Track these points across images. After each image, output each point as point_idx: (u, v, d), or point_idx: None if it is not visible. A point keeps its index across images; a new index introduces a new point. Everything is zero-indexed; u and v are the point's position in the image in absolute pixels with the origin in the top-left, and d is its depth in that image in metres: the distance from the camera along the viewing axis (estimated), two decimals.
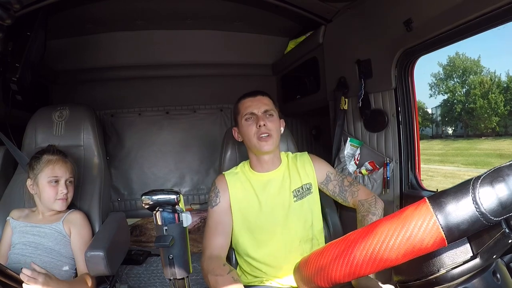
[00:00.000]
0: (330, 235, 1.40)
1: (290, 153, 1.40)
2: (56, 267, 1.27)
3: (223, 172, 1.36)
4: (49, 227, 1.31)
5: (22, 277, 0.99)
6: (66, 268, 1.30)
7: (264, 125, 1.24)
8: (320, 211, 1.34)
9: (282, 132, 1.33)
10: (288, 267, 1.20)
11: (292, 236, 1.26)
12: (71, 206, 1.41)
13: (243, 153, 1.48)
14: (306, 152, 1.39)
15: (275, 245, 1.25)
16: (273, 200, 1.27)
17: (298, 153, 1.40)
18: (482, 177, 0.44)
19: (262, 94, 1.32)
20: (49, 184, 1.31)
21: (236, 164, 1.41)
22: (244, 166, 1.35)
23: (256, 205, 1.27)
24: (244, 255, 1.28)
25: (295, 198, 1.28)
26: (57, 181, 1.32)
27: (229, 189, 1.29)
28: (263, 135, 1.24)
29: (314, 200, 1.31)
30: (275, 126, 1.27)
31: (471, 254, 0.49)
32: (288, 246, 1.25)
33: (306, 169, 1.33)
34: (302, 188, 1.30)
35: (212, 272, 1.08)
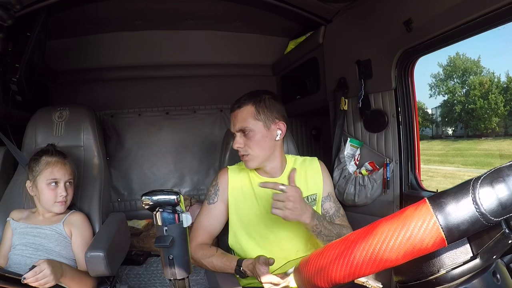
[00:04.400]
0: None
1: (298, 157, 1.33)
2: None
3: (228, 166, 1.31)
4: (50, 228, 1.30)
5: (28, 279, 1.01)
6: None
7: (238, 147, 1.18)
8: None
9: (278, 138, 1.21)
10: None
11: (290, 246, 1.24)
12: (72, 206, 1.41)
13: None
14: (316, 158, 1.33)
15: (273, 251, 1.23)
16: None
17: (308, 157, 1.33)
18: (482, 177, 0.44)
19: (240, 105, 1.19)
20: (48, 187, 1.30)
21: None
22: None
23: (254, 210, 1.24)
24: (243, 256, 1.26)
25: None
26: (56, 183, 1.31)
27: (229, 187, 1.26)
28: (242, 154, 1.20)
29: (318, 211, 1.27)
30: (253, 144, 1.17)
31: (471, 255, 0.49)
32: (287, 254, 1.23)
33: (316, 179, 1.27)
34: (307, 199, 1.25)
35: (204, 256, 1.18)
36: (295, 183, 1.15)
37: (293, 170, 1.12)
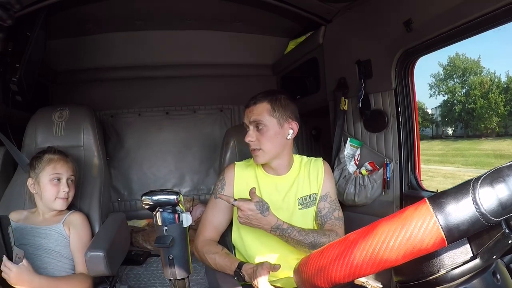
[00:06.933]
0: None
1: (304, 157, 1.35)
2: (57, 268, 1.27)
3: (235, 162, 1.34)
4: (49, 228, 1.30)
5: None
6: (66, 269, 1.30)
7: (249, 140, 1.20)
8: None
9: (290, 137, 1.23)
10: (287, 270, 1.20)
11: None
12: (71, 206, 1.41)
13: (243, 153, 1.48)
14: (321, 159, 1.35)
15: (275, 249, 1.24)
16: (276, 204, 1.24)
17: (313, 158, 1.35)
18: (482, 177, 0.44)
19: (255, 102, 1.22)
20: (50, 182, 1.31)
21: None
22: None
23: None
24: (244, 254, 1.28)
25: (300, 206, 1.26)
26: (58, 179, 1.32)
27: (235, 182, 1.27)
28: (253, 148, 1.22)
29: (316, 210, 1.28)
30: (265, 139, 1.20)
31: (471, 255, 0.49)
32: (288, 251, 1.24)
33: (318, 178, 1.29)
34: (309, 198, 1.27)
35: (209, 252, 1.20)
36: (258, 199, 1.13)
37: (252, 189, 1.14)
